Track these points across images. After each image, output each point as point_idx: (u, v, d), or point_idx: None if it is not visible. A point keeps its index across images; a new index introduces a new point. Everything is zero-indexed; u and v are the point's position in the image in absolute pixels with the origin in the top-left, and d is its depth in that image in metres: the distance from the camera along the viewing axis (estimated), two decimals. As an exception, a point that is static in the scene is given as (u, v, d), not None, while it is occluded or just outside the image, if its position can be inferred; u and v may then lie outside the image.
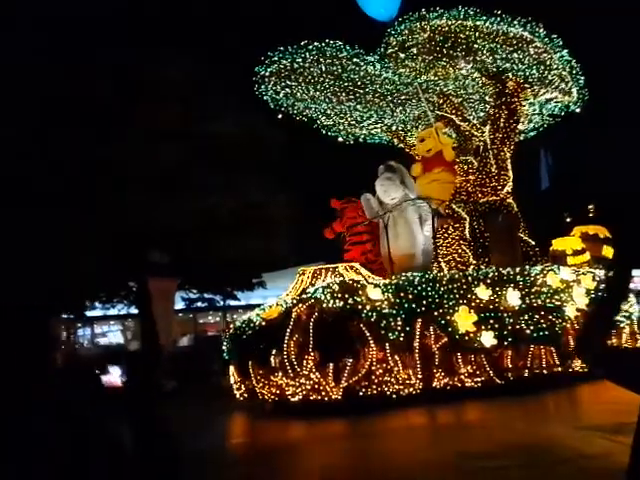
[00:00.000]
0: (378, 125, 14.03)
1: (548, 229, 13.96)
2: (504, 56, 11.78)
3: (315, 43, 11.26)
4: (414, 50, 11.01)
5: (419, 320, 9.02)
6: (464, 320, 9.18)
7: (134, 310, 31.89)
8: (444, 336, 9.06)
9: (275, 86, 11.58)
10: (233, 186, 23.96)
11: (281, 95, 11.77)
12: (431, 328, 9.04)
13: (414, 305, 9.10)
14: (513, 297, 9.75)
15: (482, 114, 13.86)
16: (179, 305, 33.10)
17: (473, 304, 9.44)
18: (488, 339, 9.22)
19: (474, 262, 11.75)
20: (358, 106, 12.83)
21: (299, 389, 8.52)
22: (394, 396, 8.59)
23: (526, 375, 9.44)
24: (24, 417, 1.58)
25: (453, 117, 13.49)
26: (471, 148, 13.37)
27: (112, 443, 1.59)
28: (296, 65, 11.24)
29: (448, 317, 9.14)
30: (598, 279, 11.08)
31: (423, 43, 10.98)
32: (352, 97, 12.50)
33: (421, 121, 14.46)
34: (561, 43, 12.14)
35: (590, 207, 13.27)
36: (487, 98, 13.37)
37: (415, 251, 10.65)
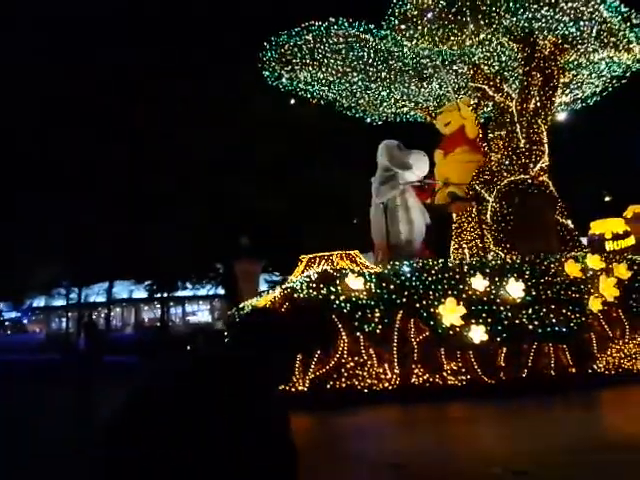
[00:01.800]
0: (405, 102, 13.24)
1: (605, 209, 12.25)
2: (530, 15, 10.43)
3: (317, 23, 10.87)
4: (418, 21, 10.15)
5: (400, 312, 8.49)
6: (450, 313, 8.46)
7: (221, 291, 33.90)
8: (427, 329, 8.45)
9: (281, 70, 11.39)
10: (314, 174, 24.24)
11: (285, 79, 11.55)
12: (412, 320, 8.47)
13: (394, 296, 8.57)
14: (515, 288, 8.77)
15: (518, 83, 12.45)
16: (263, 287, 34.51)
17: (465, 295, 8.66)
18: (478, 334, 8.42)
19: (495, 248, 10.71)
20: (372, 85, 12.19)
21: (269, 378, 8.50)
22: (365, 390, 8.22)
23: (524, 375, 8.48)
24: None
25: (485, 88, 12.29)
26: (508, 122, 12.10)
27: None
28: (298, 48, 10.95)
29: (432, 309, 8.49)
30: (637, 267, 9.56)
31: (427, 11, 10.08)
32: (364, 76, 11.91)
33: (454, 94, 13.40)
34: None
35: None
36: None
37: (413, 237, 10.00)
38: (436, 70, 12.36)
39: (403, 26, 10.24)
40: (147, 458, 1.39)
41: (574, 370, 8.77)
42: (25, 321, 37.44)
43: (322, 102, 12.62)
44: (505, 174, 11.19)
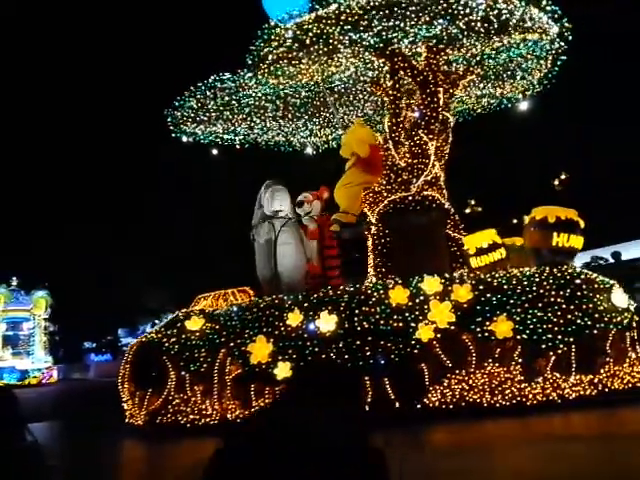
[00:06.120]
0: (332, 129, 13.33)
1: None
2: (376, 31, 10.00)
3: (199, 83, 11.84)
4: (263, 66, 10.49)
5: (222, 350, 9.05)
6: (258, 350, 8.73)
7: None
8: (240, 367, 8.84)
9: (182, 130, 12.47)
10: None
11: (185, 139, 12.59)
12: (229, 359, 8.95)
13: (216, 336, 9.16)
14: (325, 322, 8.60)
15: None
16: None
17: (277, 332, 8.81)
18: (283, 371, 8.52)
19: (373, 274, 10.33)
20: (277, 123, 12.62)
21: (126, 414, 9.75)
22: (188, 425, 8.93)
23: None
24: None
25: (387, 102, 11.83)
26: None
27: None
28: (189, 110, 12.00)
29: (244, 347, 8.85)
30: (484, 287, 8.50)
31: (274, 55, 10.38)
32: (265, 118, 12.44)
33: (383, 112, 13.06)
34: None
35: (560, 179, 9.34)
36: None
37: (271, 274, 10.23)
38: (351, 94, 12.42)
39: (249, 75, 10.75)
40: None
41: (398, 405, 8.24)
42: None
43: (246, 146, 13.44)
44: (385, 194, 10.73)
